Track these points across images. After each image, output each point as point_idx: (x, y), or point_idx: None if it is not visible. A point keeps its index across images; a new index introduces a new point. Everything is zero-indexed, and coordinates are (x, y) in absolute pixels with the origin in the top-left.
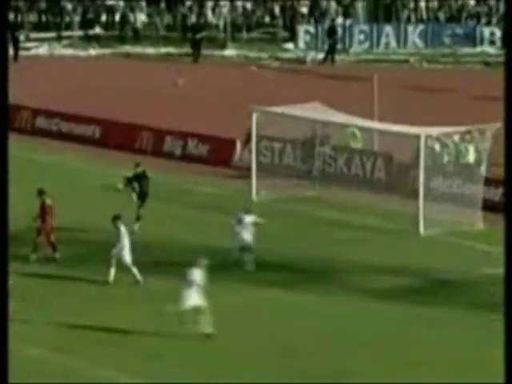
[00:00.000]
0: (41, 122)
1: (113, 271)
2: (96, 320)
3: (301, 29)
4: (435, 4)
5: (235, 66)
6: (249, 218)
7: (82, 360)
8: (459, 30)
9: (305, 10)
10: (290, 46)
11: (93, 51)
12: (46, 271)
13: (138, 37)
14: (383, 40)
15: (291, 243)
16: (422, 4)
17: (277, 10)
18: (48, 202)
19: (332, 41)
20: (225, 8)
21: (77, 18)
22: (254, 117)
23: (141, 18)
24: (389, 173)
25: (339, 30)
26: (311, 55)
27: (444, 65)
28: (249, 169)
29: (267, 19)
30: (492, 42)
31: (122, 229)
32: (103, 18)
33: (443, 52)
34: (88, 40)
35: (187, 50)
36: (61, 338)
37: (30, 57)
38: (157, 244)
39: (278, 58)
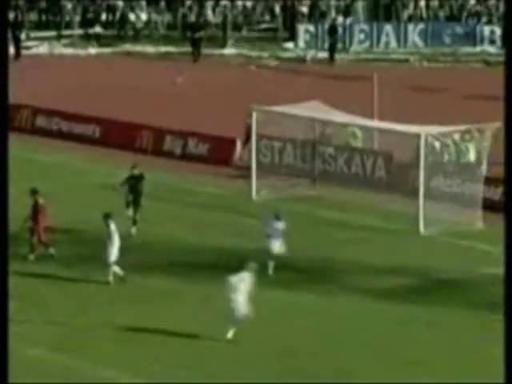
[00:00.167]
0: (41, 121)
1: (112, 271)
2: (96, 320)
3: (301, 28)
4: (435, 3)
5: (235, 65)
6: (278, 224)
7: (82, 360)
8: (459, 29)
9: (305, 9)
10: (290, 45)
11: (93, 50)
12: (46, 271)
13: (138, 36)
14: (383, 39)
15: (291, 243)
16: (422, 3)
17: (277, 9)
18: (41, 201)
19: (333, 40)
20: (225, 7)
21: (77, 17)
22: (254, 116)
23: (141, 16)
24: (389, 172)
25: (339, 29)
26: (311, 54)
27: (444, 64)
28: (249, 168)
29: (267, 18)
30: (492, 41)
31: (113, 227)
32: (103, 16)
33: (443, 51)
34: (88, 39)
35: (187, 49)
36: (61, 338)
37: (30, 56)
38: (157, 243)
39: (278, 57)
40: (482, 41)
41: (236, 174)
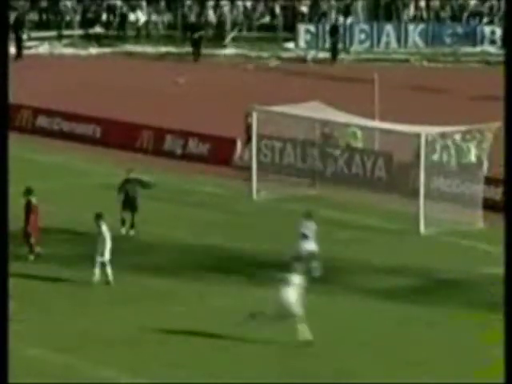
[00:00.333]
0: (41, 121)
1: (109, 270)
2: (96, 320)
3: (301, 28)
4: (436, 3)
5: (236, 65)
6: (312, 224)
7: (82, 360)
8: (460, 29)
9: (305, 9)
10: (290, 45)
11: (93, 50)
12: (46, 271)
13: (138, 36)
14: (384, 39)
15: (291, 243)
16: (423, 3)
17: (277, 9)
18: (34, 201)
19: (334, 40)
20: (225, 7)
21: (77, 17)
22: (255, 116)
23: (141, 17)
24: (389, 172)
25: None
26: (312, 54)
27: (445, 64)
28: (249, 168)
29: (268, 18)
30: (492, 42)
31: (104, 228)
32: (104, 17)
33: (444, 51)
34: (88, 39)
35: (187, 49)
36: (61, 338)
37: (30, 56)
38: (157, 244)
39: (278, 57)
40: (482, 41)
41: (236, 174)
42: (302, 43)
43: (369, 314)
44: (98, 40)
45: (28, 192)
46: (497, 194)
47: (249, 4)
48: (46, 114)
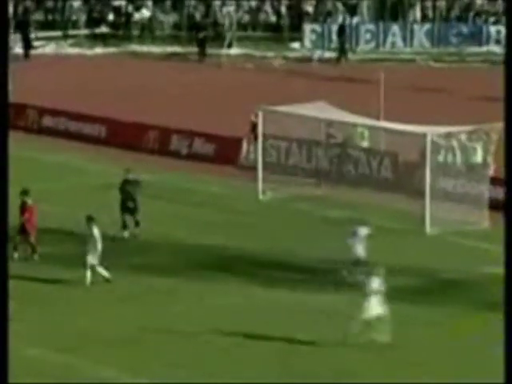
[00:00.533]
0: (47, 121)
1: (103, 272)
2: (96, 320)
3: (307, 28)
4: (442, 3)
5: (241, 65)
6: (363, 231)
7: (82, 360)
8: (465, 29)
9: (311, 9)
10: (296, 45)
11: (99, 50)
12: (46, 271)
13: (144, 36)
14: (389, 39)
15: (298, 243)
16: (429, 3)
17: (283, 9)
18: (29, 202)
19: (342, 40)
20: (231, 7)
21: (83, 17)
22: (261, 116)
23: (147, 16)
24: (395, 172)
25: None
26: (318, 54)
27: (450, 64)
28: (255, 168)
29: (273, 18)
30: (498, 41)
31: (95, 231)
32: (109, 16)
33: (450, 51)
34: (94, 39)
35: (193, 49)
36: (61, 338)
37: (36, 56)
38: (162, 243)
39: (284, 56)
40: (487, 41)
41: (242, 174)
42: (307, 43)
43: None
44: (103, 40)
45: (24, 193)
46: (502, 194)
47: (254, 4)
48: (52, 113)
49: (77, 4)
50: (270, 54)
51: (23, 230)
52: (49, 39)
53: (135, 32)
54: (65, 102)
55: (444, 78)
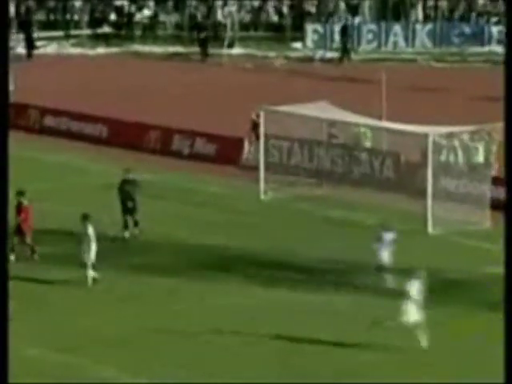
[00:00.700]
0: (49, 120)
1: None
2: (96, 320)
3: (309, 28)
4: (444, 3)
5: (243, 65)
6: (389, 235)
7: (82, 360)
8: (467, 29)
9: (313, 8)
10: (298, 45)
11: (101, 50)
12: (47, 271)
13: (145, 36)
14: (391, 39)
15: (299, 243)
16: (431, 3)
17: (285, 8)
18: (25, 202)
19: (344, 40)
20: (233, 7)
21: (85, 17)
22: (262, 116)
23: (149, 16)
24: (397, 172)
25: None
26: (319, 54)
27: (452, 64)
28: (256, 168)
29: (275, 18)
30: (499, 42)
31: (90, 230)
32: (111, 16)
33: (451, 51)
34: (96, 39)
35: (195, 49)
36: (61, 337)
37: (38, 55)
38: (163, 243)
39: (286, 56)
40: (489, 41)
41: (243, 174)
42: (309, 43)
43: (371, 313)
44: (105, 40)
45: (20, 193)
46: (504, 194)
47: (256, 4)
48: (54, 113)
49: (79, 4)
50: (272, 53)
51: (19, 231)
52: (51, 39)
53: (137, 32)
54: (66, 102)
55: (446, 78)
